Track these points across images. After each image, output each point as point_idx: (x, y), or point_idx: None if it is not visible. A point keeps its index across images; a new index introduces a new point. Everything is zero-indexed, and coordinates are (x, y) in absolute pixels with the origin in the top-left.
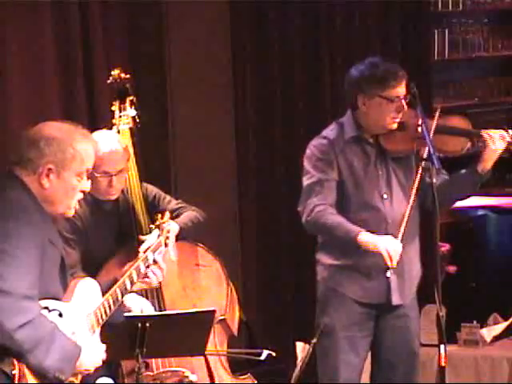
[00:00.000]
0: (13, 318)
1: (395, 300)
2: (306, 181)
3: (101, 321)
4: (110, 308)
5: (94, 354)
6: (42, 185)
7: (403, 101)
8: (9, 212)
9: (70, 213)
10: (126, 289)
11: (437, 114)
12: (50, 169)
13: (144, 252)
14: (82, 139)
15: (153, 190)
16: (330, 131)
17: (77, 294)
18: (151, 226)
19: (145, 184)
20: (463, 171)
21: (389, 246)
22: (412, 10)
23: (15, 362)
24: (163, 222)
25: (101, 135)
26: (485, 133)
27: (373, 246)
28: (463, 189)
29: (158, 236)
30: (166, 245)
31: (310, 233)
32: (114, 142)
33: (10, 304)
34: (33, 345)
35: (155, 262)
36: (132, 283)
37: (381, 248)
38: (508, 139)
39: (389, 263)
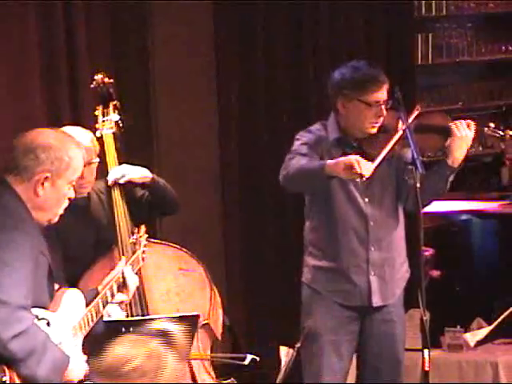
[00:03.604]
0: (8, 328)
1: (376, 301)
2: (288, 155)
3: (84, 332)
4: (92, 319)
5: (79, 365)
6: (36, 193)
7: (383, 106)
8: (7, 221)
9: (55, 220)
10: (107, 301)
11: (414, 114)
12: (46, 177)
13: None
14: (75, 147)
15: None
16: (317, 130)
17: (63, 305)
18: (130, 240)
19: None
20: (434, 167)
21: (357, 158)
22: (396, 14)
23: (5, 369)
24: (140, 237)
25: (68, 129)
26: (452, 123)
27: (343, 162)
28: (435, 185)
29: (136, 251)
30: (143, 259)
31: (290, 188)
32: (80, 134)
33: (6, 314)
34: (26, 354)
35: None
36: (112, 295)
37: (351, 159)
38: (473, 127)
39: (358, 170)
